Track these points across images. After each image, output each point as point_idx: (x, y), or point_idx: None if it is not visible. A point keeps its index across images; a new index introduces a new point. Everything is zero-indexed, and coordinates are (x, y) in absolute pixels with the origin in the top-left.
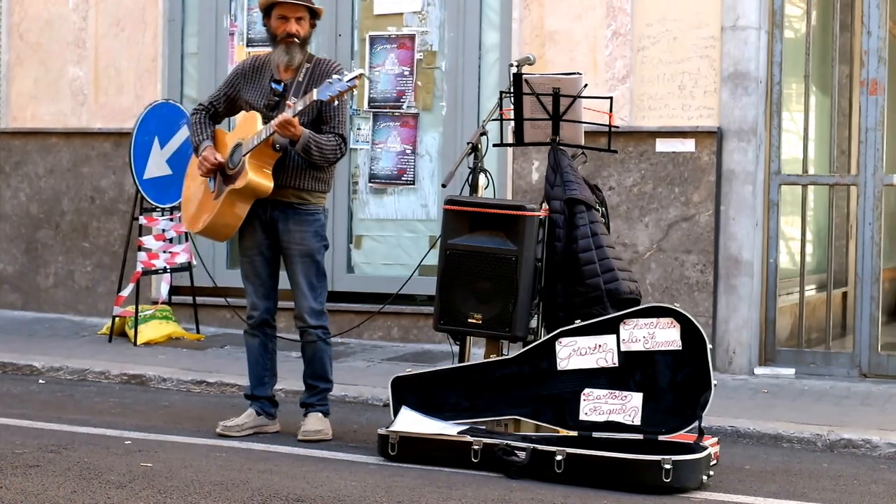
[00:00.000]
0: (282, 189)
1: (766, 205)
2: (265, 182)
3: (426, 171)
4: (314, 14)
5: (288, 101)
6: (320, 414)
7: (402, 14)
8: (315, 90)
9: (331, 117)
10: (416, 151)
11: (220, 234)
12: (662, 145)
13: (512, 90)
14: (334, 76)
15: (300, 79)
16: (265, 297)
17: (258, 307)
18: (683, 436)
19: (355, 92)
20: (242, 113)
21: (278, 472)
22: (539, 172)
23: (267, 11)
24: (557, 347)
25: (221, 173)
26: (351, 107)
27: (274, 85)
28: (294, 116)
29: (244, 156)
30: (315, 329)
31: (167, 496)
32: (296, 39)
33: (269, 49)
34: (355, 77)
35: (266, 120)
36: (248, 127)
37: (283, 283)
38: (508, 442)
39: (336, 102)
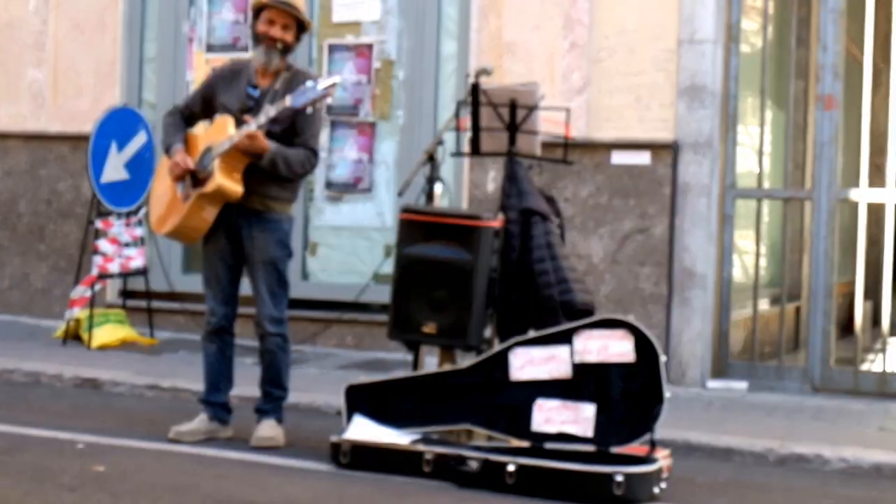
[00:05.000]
0: (248, 195)
1: (720, 218)
2: (235, 186)
3: (382, 179)
4: (302, 26)
5: (246, 116)
6: (274, 420)
7: (360, 23)
8: (289, 97)
9: (303, 129)
10: (372, 160)
11: (188, 238)
12: (618, 157)
13: (469, 100)
14: (308, 83)
15: (277, 86)
16: (224, 303)
17: (217, 313)
18: (636, 448)
19: (330, 100)
20: (217, 115)
21: (230, 478)
22: (495, 183)
23: (256, 13)
24: (511, 358)
25: (191, 176)
26: None
27: (250, 90)
28: (258, 129)
29: (214, 159)
30: (274, 336)
31: (119, 500)
32: (277, 44)
33: (239, 54)
34: (330, 86)
35: (238, 124)
36: (219, 131)
37: (246, 289)
38: (461, 452)
39: (309, 111)
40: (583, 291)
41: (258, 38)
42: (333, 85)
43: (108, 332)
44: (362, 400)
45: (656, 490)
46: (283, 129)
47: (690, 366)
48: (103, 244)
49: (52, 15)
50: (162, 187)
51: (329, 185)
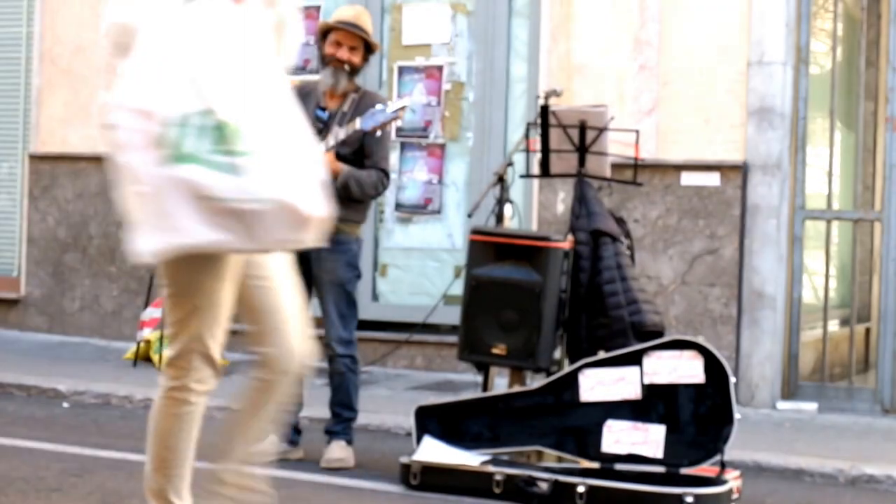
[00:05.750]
0: None
1: (790, 239)
2: None
3: (452, 200)
4: (369, 48)
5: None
6: (344, 442)
7: (430, 45)
8: (358, 119)
9: (373, 151)
10: (442, 181)
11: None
12: (688, 179)
13: (539, 122)
14: (378, 106)
15: (345, 109)
16: None
17: None
18: (705, 469)
19: (399, 123)
20: None
21: (300, 499)
22: (564, 204)
23: (324, 35)
24: (581, 379)
25: None
26: None
27: (318, 112)
28: (328, 151)
29: None
30: (343, 358)
31: None
32: (344, 66)
33: (309, 77)
34: (399, 108)
35: None
36: None
37: (315, 310)
38: (531, 473)
39: (379, 133)
40: (652, 312)
41: (325, 60)
42: (403, 108)
43: None
44: (432, 421)
45: None
46: (352, 151)
47: (760, 387)
48: None
49: None
50: None
51: (399, 206)
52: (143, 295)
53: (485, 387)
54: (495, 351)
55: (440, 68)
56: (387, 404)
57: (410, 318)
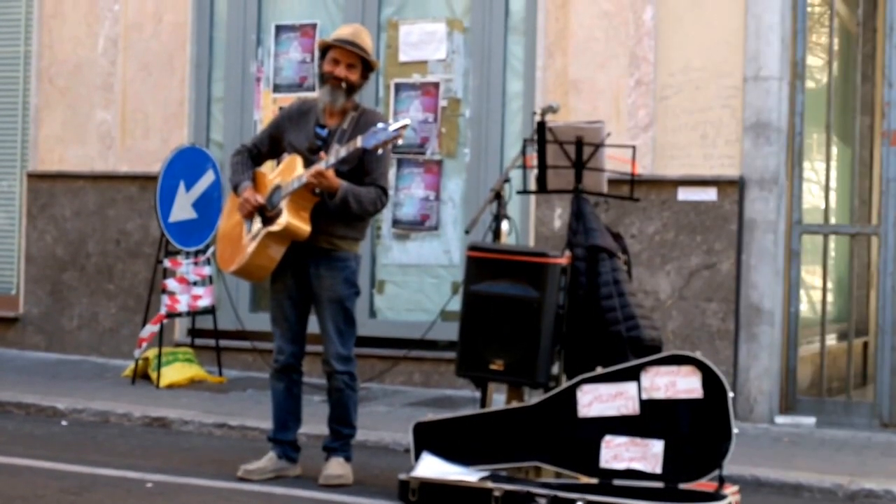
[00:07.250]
0: (315, 235)
1: (787, 254)
2: (303, 226)
3: (449, 217)
4: (368, 66)
5: (321, 153)
6: (342, 458)
7: (426, 62)
8: (360, 138)
9: (372, 168)
10: (439, 197)
11: (253, 276)
12: (684, 194)
13: (535, 138)
14: (380, 125)
15: (345, 126)
16: (292, 341)
17: (284, 351)
18: (704, 484)
19: (400, 142)
20: (285, 155)
21: None
22: (562, 220)
23: (323, 53)
24: (579, 394)
25: (259, 214)
26: None
27: (318, 129)
28: (328, 168)
29: (283, 198)
30: (341, 374)
31: None
32: (342, 84)
33: (305, 94)
34: (401, 127)
35: (307, 164)
36: (288, 170)
37: (314, 327)
38: (529, 489)
39: (380, 152)
40: (650, 328)
41: (324, 78)
42: (404, 126)
43: (177, 371)
44: (430, 437)
45: None
46: (350, 169)
47: (758, 401)
48: (171, 283)
49: (121, 57)
50: (229, 226)
51: (396, 223)
52: (140, 313)
53: (483, 403)
54: (493, 367)
55: (436, 85)
56: (385, 421)
57: (408, 335)
